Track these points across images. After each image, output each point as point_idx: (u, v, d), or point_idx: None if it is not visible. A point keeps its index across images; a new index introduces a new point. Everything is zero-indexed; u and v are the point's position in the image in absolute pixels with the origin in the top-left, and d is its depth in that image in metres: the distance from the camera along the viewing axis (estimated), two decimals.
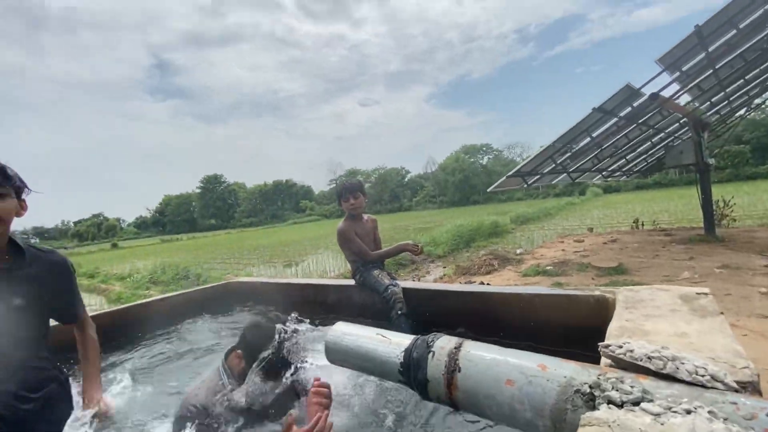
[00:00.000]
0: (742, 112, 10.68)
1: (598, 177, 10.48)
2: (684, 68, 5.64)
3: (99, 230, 77.90)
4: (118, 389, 1.80)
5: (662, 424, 0.57)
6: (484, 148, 62.16)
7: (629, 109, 5.66)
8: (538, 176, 6.51)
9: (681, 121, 7.33)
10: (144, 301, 2.99)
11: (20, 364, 1.30)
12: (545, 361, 0.75)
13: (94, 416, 1.43)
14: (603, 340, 0.84)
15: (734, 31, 4.78)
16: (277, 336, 1.32)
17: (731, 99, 7.54)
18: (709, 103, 7.43)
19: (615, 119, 5.86)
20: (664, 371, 0.66)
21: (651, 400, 0.63)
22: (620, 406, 0.64)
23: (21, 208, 1.33)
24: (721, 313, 0.97)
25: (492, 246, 10.79)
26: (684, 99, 6.49)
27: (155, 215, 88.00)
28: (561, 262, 7.09)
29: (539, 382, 0.72)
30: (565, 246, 8.81)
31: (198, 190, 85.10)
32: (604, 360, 0.80)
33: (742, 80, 6.31)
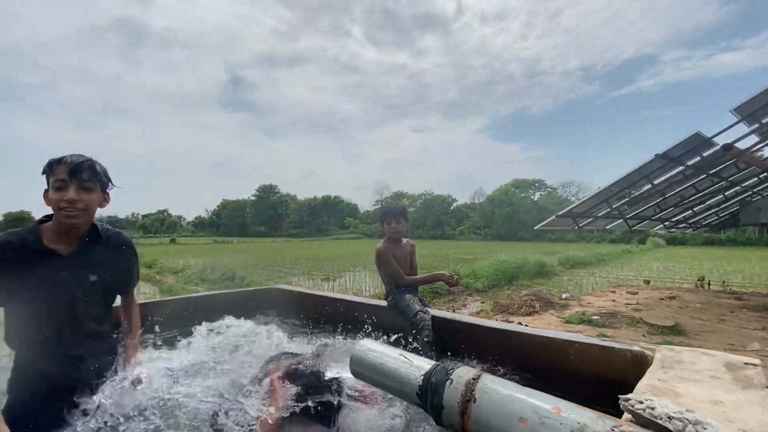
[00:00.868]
0: None
1: (659, 226, 9.76)
2: (764, 120, 5.22)
3: (162, 225, 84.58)
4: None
5: None
6: (537, 184, 60.18)
7: (698, 158, 5.31)
8: (590, 219, 6.23)
9: (761, 176, 6.71)
10: (193, 295, 3.24)
11: (89, 332, 1.47)
12: (561, 405, 0.76)
13: (131, 382, 1.56)
14: None
15: None
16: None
17: None
18: None
19: (681, 167, 5.51)
20: None
21: None
22: None
23: (104, 200, 1.51)
24: None
25: (536, 287, 10.32)
26: (766, 152, 5.96)
27: (212, 217, 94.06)
28: (609, 313, 6.63)
29: (552, 424, 0.72)
30: (616, 297, 8.22)
31: (253, 198, 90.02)
32: (626, 415, 0.78)
33: None
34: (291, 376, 1.48)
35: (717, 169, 5.78)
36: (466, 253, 22.84)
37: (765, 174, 6.16)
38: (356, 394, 1.42)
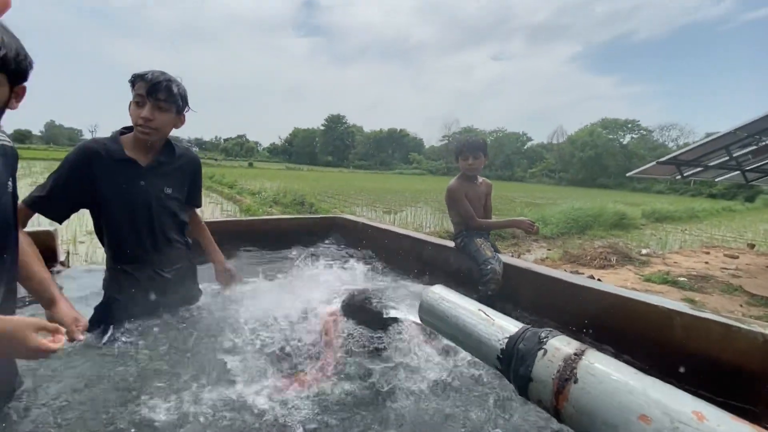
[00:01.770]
0: None
1: None
2: None
3: (241, 149, 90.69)
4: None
5: None
6: (629, 125, 53.02)
7: None
8: (700, 169, 5.29)
9: None
10: (268, 217, 3.38)
11: (165, 240, 1.56)
12: (704, 410, 0.58)
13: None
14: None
15: None
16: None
17: None
18: None
19: None
20: None
21: None
22: None
23: (180, 122, 1.53)
24: None
25: (612, 239, 9.48)
26: None
27: (284, 144, 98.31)
28: (700, 276, 5.90)
29: None
30: (710, 258, 7.27)
31: (322, 127, 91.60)
32: None
33: None
34: (351, 308, 1.44)
35: None
36: (536, 198, 21.52)
37: None
38: (418, 339, 1.35)
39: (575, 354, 0.73)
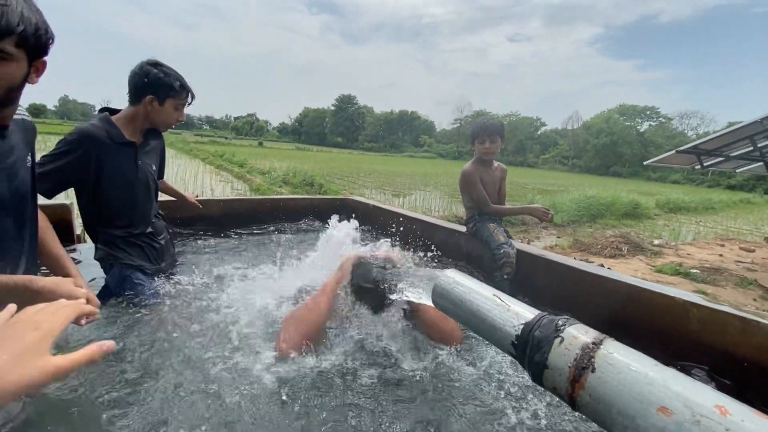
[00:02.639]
0: None
1: None
2: None
3: (251, 128, 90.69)
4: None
5: None
6: (648, 112, 51.45)
7: None
8: (721, 159, 5.13)
9: None
10: (279, 196, 3.39)
11: (156, 214, 1.80)
12: (727, 404, 0.56)
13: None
14: None
15: None
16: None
17: None
18: None
19: None
20: None
21: None
22: None
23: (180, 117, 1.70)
24: None
25: (623, 228, 9.34)
26: None
27: (294, 124, 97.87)
28: (714, 268, 5.81)
29: (713, 427, 0.54)
30: (725, 251, 7.14)
31: (332, 108, 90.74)
32: None
33: None
34: (361, 290, 1.40)
35: None
36: (548, 185, 21.20)
37: None
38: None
39: (593, 343, 0.72)
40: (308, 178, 11.57)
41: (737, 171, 6.84)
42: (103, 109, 1.63)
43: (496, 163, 2.37)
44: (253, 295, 1.57)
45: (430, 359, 1.31)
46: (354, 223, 1.67)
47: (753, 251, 7.18)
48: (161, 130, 1.73)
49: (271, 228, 2.98)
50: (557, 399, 0.77)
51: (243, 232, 2.86)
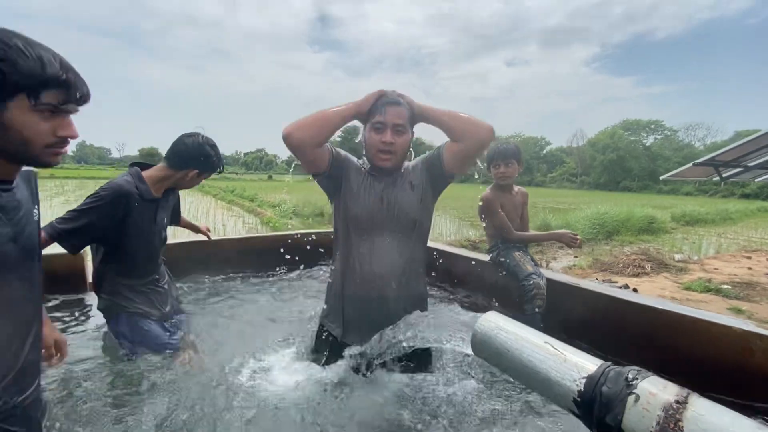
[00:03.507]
0: None
1: None
2: None
3: (260, 162, 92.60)
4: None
5: None
6: (652, 125, 51.42)
7: None
8: (740, 169, 4.99)
9: None
10: (292, 232, 3.34)
11: (162, 261, 1.86)
12: None
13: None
14: None
15: None
16: None
17: None
18: None
19: None
20: None
21: None
22: None
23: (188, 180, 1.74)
24: None
25: (641, 244, 9.06)
26: None
27: None
28: (745, 283, 5.55)
29: None
30: (752, 263, 6.85)
31: (339, 138, 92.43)
32: None
33: None
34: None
35: None
36: (558, 203, 20.97)
37: None
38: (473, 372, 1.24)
39: (677, 402, 0.62)
40: (318, 209, 11.60)
41: (757, 180, 6.66)
42: (133, 164, 1.69)
43: (516, 188, 2.30)
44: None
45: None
46: None
47: None
48: (176, 189, 1.85)
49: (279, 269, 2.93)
50: None
51: (239, 274, 2.82)
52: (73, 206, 1.52)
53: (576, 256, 7.82)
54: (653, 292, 5.16)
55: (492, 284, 2.16)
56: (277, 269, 2.89)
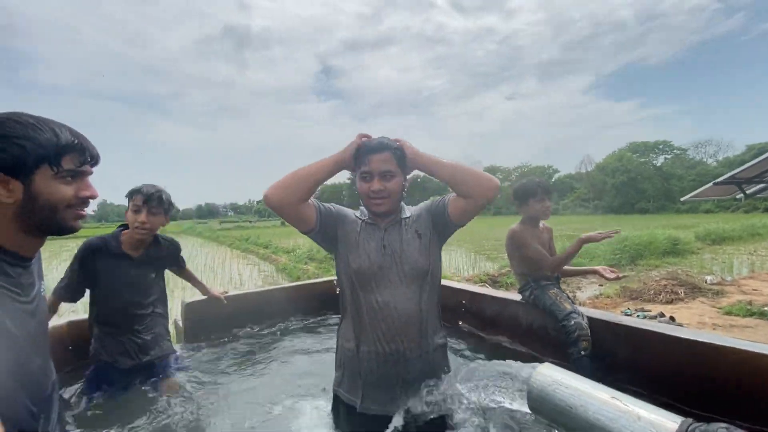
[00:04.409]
0: None
1: None
2: None
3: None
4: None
5: None
6: (660, 146, 51.29)
7: None
8: (763, 185, 4.87)
9: None
10: (311, 281, 3.31)
11: (148, 312, 1.92)
12: None
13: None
14: None
15: None
16: None
17: None
18: None
19: None
20: None
21: None
22: None
23: (166, 221, 1.87)
24: None
25: (668, 267, 8.71)
26: None
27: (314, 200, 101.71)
28: None
29: None
30: None
31: (348, 181, 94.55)
32: None
33: None
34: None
35: None
36: (574, 229, 20.57)
37: None
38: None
39: None
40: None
41: None
42: (121, 225, 1.89)
43: (542, 224, 2.26)
44: None
45: None
46: None
47: None
48: (134, 236, 1.86)
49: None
50: None
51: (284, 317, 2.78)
52: None
53: (601, 285, 7.53)
54: (692, 320, 4.88)
55: (528, 325, 2.06)
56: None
